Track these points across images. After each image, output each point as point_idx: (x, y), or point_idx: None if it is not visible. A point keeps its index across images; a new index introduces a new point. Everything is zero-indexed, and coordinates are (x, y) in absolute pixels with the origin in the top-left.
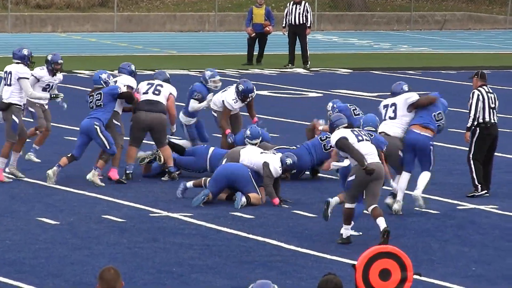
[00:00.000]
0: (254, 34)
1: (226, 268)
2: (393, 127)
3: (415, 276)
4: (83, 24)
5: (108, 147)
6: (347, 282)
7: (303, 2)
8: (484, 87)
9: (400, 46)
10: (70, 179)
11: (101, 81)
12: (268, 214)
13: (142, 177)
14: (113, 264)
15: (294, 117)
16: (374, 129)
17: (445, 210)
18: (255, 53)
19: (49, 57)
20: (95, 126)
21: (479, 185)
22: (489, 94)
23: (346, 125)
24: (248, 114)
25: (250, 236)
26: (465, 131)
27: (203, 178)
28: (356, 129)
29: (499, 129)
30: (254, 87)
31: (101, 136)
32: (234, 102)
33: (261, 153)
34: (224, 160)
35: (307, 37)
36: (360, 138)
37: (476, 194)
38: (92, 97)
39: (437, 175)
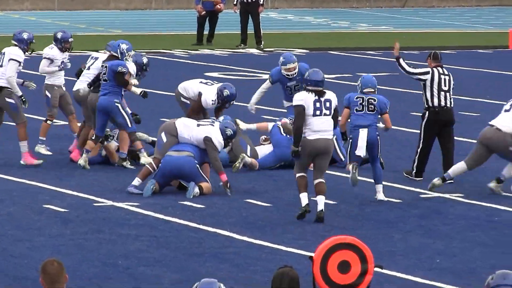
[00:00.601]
0: (204, 12)
1: (175, 260)
2: (507, 121)
3: (376, 269)
4: (22, 1)
5: (129, 125)
6: (304, 275)
7: None
8: (439, 68)
9: (359, 25)
10: (10, 166)
11: (118, 50)
12: (219, 203)
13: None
14: (56, 257)
15: (247, 100)
16: (373, 90)
17: (408, 199)
18: (205, 32)
19: (59, 35)
20: (116, 104)
21: (414, 171)
22: (442, 76)
23: (317, 88)
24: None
25: (201, 226)
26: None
27: (146, 166)
28: (324, 98)
29: (463, 112)
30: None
31: (123, 114)
32: (212, 103)
33: (198, 125)
34: (163, 133)
35: (260, 15)
36: (318, 112)
37: (409, 177)
38: (102, 67)
39: (399, 162)
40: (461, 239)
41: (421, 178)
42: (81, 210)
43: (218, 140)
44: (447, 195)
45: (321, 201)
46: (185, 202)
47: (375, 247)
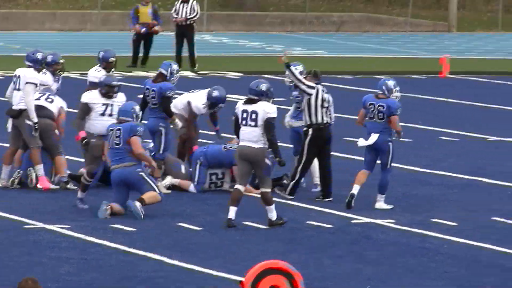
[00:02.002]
0: (144, 30)
1: (106, 284)
2: None
3: None
4: None
5: (160, 152)
6: None
7: (191, 1)
8: (319, 86)
9: (294, 49)
10: None
11: (169, 69)
12: (150, 226)
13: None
14: None
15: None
16: (381, 94)
17: (339, 225)
18: (140, 54)
19: (49, 58)
20: (160, 128)
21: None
22: (324, 94)
23: (249, 96)
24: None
25: (131, 250)
26: (357, 139)
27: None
28: (251, 108)
29: (402, 139)
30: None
31: (162, 140)
32: (203, 107)
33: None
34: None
35: (194, 38)
36: (244, 123)
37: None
38: (148, 90)
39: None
40: (391, 265)
41: (293, 197)
42: (11, 233)
43: (197, 106)
44: (378, 221)
45: (232, 211)
46: (116, 225)
47: (306, 272)
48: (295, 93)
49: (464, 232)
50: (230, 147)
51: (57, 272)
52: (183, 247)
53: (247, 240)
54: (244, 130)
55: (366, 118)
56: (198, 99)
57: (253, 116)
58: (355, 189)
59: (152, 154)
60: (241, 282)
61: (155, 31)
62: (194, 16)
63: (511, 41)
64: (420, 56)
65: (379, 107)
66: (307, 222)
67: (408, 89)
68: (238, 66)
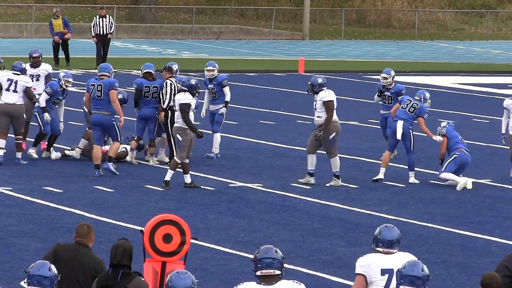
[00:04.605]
0: (60, 40)
1: (39, 233)
2: None
3: (192, 240)
4: None
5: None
6: (137, 245)
7: (107, 16)
8: (172, 78)
9: (183, 52)
10: None
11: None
12: (74, 189)
13: None
14: None
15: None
16: (418, 98)
17: (219, 187)
18: (62, 56)
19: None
20: (156, 115)
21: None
22: (177, 84)
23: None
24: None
25: (59, 207)
26: None
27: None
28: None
29: (262, 121)
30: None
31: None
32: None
33: None
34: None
35: (109, 44)
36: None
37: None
38: (148, 88)
39: (214, 159)
40: (260, 219)
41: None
42: None
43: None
44: (249, 185)
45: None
46: (48, 188)
47: (194, 224)
48: (210, 85)
49: (316, 193)
50: None
51: (1, 224)
52: (99, 204)
53: (147, 199)
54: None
55: (399, 109)
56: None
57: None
58: (382, 172)
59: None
60: (142, 231)
61: (66, 38)
62: (112, 31)
63: (351, 47)
64: (281, 58)
65: (414, 104)
66: (409, 181)
67: (271, 83)
68: (139, 66)
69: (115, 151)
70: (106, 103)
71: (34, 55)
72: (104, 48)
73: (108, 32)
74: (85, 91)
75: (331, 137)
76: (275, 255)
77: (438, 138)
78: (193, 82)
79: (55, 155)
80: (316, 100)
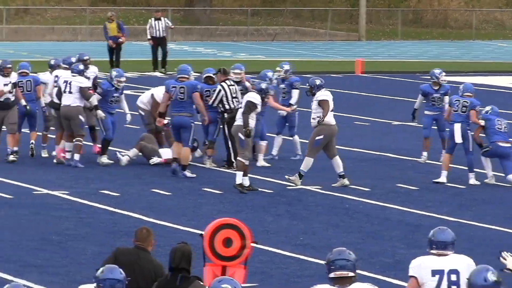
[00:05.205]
0: (115, 45)
1: (96, 237)
2: None
3: (253, 244)
4: None
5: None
6: (197, 249)
7: (163, 18)
8: (227, 81)
9: (239, 54)
10: None
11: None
12: (131, 192)
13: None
14: (2, 233)
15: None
16: (471, 94)
17: (277, 190)
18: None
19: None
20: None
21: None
22: (230, 87)
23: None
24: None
25: (117, 210)
26: None
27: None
28: None
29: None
30: None
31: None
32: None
33: None
34: None
35: (167, 46)
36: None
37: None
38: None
39: (273, 161)
40: (319, 221)
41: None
42: (23, 196)
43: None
44: (307, 187)
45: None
46: (104, 191)
47: (252, 227)
48: (282, 85)
49: (375, 195)
50: None
51: (59, 227)
52: (157, 208)
53: (205, 202)
54: None
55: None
56: (158, 89)
57: None
58: (444, 176)
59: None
60: (201, 235)
61: (120, 42)
62: (172, 26)
63: (408, 48)
64: (337, 59)
65: (464, 102)
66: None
67: (328, 85)
68: (196, 68)
69: (187, 158)
70: (189, 105)
71: (84, 57)
72: (163, 49)
73: (163, 35)
74: (138, 93)
75: (317, 137)
76: (349, 256)
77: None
78: (263, 86)
79: (124, 160)
80: (313, 101)
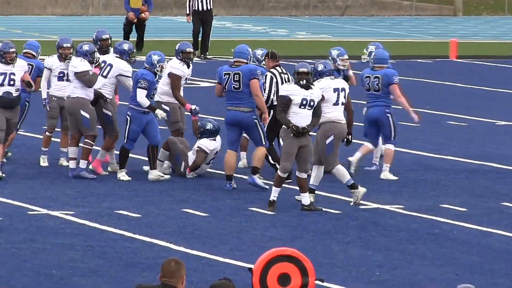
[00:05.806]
0: (136, 19)
1: (111, 271)
2: None
3: (317, 282)
4: None
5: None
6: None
7: None
8: (277, 68)
9: (298, 33)
10: None
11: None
12: (155, 213)
13: (21, 172)
14: None
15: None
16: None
17: (347, 210)
18: (133, 38)
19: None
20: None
21: (275, 164)
22: (282, 75)
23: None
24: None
25: (137, 236)
26: None
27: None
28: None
29: (402, 123)
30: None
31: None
32: (182, 66)
33: None
34: None
35: (212, 25)
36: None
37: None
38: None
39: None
40: (401, 251)
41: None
42: (15, 219)
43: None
44: (386, 206)
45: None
46: (121, 211)
47: (314, 259)
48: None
49: (474, 217)
50: None
51: (61, 258)
52: (189, 233)
53: (253, 226)
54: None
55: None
56: (172, 63)
57: None
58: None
59: None
60: (250, 269)
61: (142, 17)
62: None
63: None
64: (426, 40)
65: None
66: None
67: (414, 73)
68: None
69: (260, 159)
70: (247, 97)
71: (103, 36)
72: (204, 30)
73: (208, 8)
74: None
75: (327, 141)
76: None
77: None
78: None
79: (155, 175)
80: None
